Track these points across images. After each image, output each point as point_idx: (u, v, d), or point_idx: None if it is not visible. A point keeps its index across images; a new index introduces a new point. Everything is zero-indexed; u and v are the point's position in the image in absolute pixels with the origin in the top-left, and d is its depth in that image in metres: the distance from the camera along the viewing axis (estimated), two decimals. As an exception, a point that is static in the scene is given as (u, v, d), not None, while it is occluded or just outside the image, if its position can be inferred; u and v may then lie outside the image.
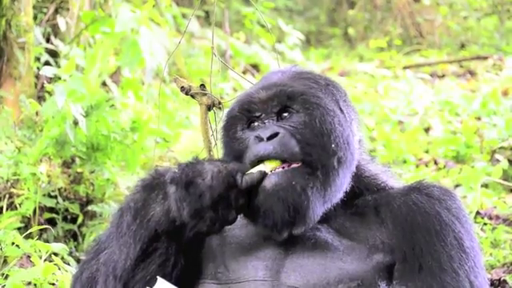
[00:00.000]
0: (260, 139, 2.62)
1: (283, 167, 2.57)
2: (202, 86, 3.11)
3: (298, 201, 2.53)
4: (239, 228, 2.73)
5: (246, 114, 2.74)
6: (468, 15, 15.74)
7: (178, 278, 2.59)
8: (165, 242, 2.60)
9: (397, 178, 2.89)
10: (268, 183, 2.55)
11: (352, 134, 2.70)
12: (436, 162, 7.15)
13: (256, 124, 2.72)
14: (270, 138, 2.60)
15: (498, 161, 6.46)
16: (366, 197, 2.74)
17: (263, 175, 2.54)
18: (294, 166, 2.57)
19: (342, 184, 2.64)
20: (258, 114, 2.72)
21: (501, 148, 6.75)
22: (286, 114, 2.68)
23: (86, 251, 2.99)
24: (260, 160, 2.59)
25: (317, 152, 2.58)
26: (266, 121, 2.70)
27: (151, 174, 2.73)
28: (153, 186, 2.67)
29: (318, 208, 2.58)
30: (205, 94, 3.10)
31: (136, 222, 2.61)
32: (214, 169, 2.55)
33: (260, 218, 2.58)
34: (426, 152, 7.64)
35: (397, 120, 8.95)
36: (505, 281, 4.20)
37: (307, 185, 2.55)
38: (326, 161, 2.58)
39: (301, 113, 2.65)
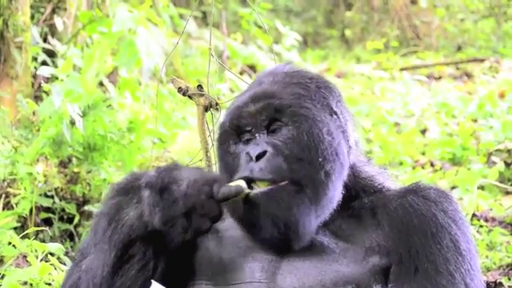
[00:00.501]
0: (250, 158, 2.60)
1: (270, 187, 2.56)
2: (200, 86, 3.12)
3: (286, 218, 2.52)
4: (235, 229, 2.72)
5: (236, 129, 2.71)
6: (465, 17, 15.78)
7: (163, 281, 2.57)
8: (141, 247, 2.54)
9: (393, 180, 2.88)
10: (257, 201, 2.54)
11: (345, 139, 2.68)
12: (432, 164, 7.17)
13: (247, 137, 2.69)
14: (258, 157, 2.58)
15: (494, 163, 6.46)
16: (362, 199, 2.73)
17: (240, 190, 2.52)
18: (281, 184, 2.55)
19: (334, 195, 2.62)
20: (248, 128, 2.69)
21: (497, 150, 6.75)
22: (275, 127, 2.65)
23: (73, 258, 2.96)
24: (249, 181, 2.58)
25: (304, 167, 2.57)
26: (256, 134, 2.67)
27: (127, 177, 2.70)
28: (128, 189, 2.63)
29: (312, 223, 2.57)
30: (202, 95, 3.10)
31: (111, 227, 2.56)
32: (191, 177, 2.50)
33: (255, 234, 2.59)
34: (423, 154, 7.65)
35: (393, 122, 8.96)
36: (501, 283, 4.20)
37: (294, 202, 2.53)
38: (313, 175, 2.57)
39: (289, 125, 2.62)
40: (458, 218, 2.61)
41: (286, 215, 2.52)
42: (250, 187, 2.56)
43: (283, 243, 2.56)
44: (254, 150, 2.60)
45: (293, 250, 2.58)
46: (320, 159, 2.57)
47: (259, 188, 2.55)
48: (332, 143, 2.61)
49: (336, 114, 2.69)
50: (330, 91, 2.74)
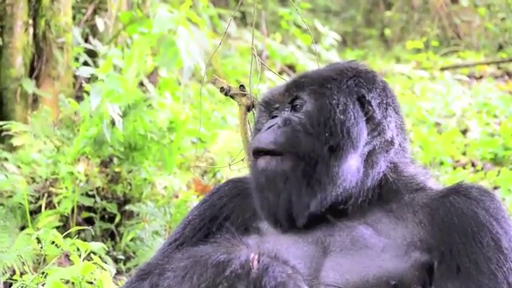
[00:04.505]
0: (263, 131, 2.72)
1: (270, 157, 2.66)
2: (242, 86, 3.12)
3: (280, 192, 2.63)
4: (273, 228, 2.75)
5: (267, 107, 2.83)
6: (506, 17, 15.61)
7: None
8: None
9: (436, 180, 2.87)
10: (259, 166, 2.67)
11: (369, 127, 2.71)
12: (473, 164, 7.12)
13: (275, 114, 2.79)
14: (268, 129, 2.69)
15: (536, 163, 6.41)
16: (403, 196, 2.73)
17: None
18: (278, 158, 2.64)
19: (339, 173, 2.64)
20: (276, 106, 2.79)
21: (540, 150, 6.70)
22: (297, 104, 2.72)
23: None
24: (256, 151, 2.68)
25: (308, 140, 2.64)
26: (281, 112, 2.76)
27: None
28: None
29: (307, 198, 2.63)
30: (244, 95, 3.11)
31: None
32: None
33: (260, 209, 2.71)
34: (464, 154, 7.60)
35: (434, 121, 8.91)
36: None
37: (288, 178, 2.62)
38: (317, 149, 2.63)
39: (308, 102, 2.69)
40: (501, 217, 2.59)
41: (280, 190, 2.62)
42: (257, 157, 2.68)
43: (284, 218, 2.65)
44: (268, 124, 2.72)
45: (297, 226, 2.64)
46: (326, 134, 2.63)
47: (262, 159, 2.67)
48: (344, 122, 2.65)
49: (367, 103, 2.73)
50: (371, 84, 2.78)
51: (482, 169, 6.86)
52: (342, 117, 2.65)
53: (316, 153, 2.62)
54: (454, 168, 7.09)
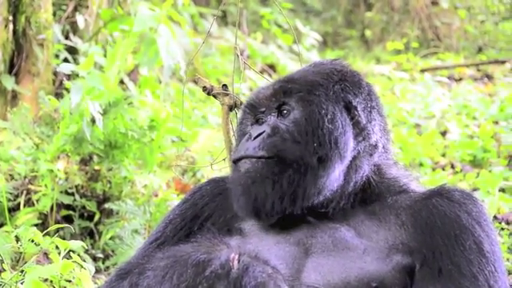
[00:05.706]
0: (249, 137, 2.69)
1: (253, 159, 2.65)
2: (224, 86, 3.12)
3: (259, 191, 2.61)
4: (259, 228, 2.75)
5: (252, 110, 2.80)
6: (486, 19, 15.70)
7: None
8: None
9: (419, 182, 2.87)
10: (240, 171, 2.65)
11: (356, 134, 2.71)
12: (453, 166, 7.14)
13: (260, 117, 2.77)
14: (256, 136, 2.67)
15: (515, 165, 6.43)
16: (386, 198, 2.73)
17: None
18: (263, 160, 2.63)
19: (325, 183, 2.64)
20: (262, 110, 2.77)
21: (518, 152, 6.73)
22: (285, 110, 2.71)
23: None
24: (242, 158, 2.67)
25: (298, 150, 2.62)
26: (268, 116, 2.74)
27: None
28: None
29: (287, 203, 2.62)
30: (227, 95, 3.10)
31: None
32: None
33: (237, 204, 2.68)
34: (443, 155, 7.62)
35: (414, 123, 8.93)
36: (522, 286, 4.17)
37: (270, 178, 2.61)
38: (306, 158, 2.61)
39: (295, 110, 2.68)
40: (483, 220, 2.60)
41: (259, 189, 2.61)
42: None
43: (255, 215, 2.65)
44: (255, 130, 2.70)
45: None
46: (315, 144, 2.62)
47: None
48: (333, 132, 2.64)
49: (353, 108, 2.72)
50: (356, 88, 2.77)
51: (461, 170, 6.88)
52: (330, 126, 2.64)
53: (305, 162, 2.61)
54: (434, 169, 7.10)
